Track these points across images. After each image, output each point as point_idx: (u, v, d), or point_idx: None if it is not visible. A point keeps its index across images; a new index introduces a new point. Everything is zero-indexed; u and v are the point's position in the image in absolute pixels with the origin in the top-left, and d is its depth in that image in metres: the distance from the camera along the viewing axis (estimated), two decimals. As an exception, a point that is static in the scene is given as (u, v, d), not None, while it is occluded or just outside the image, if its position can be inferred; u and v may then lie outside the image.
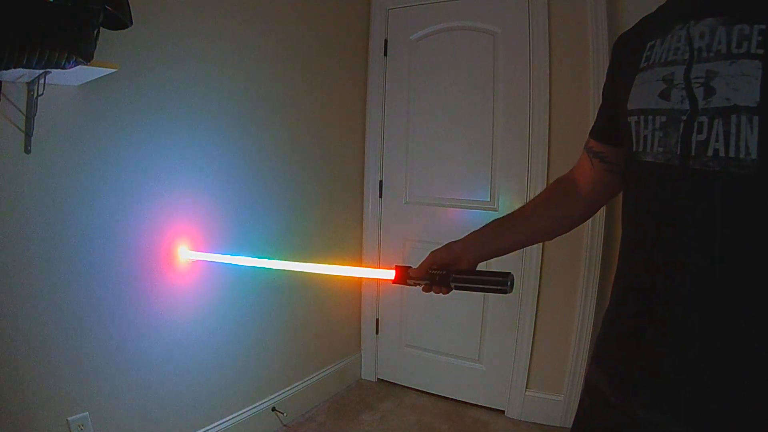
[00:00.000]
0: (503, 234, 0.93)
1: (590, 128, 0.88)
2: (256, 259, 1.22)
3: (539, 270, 2.29)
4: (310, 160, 2.31)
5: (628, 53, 0.76)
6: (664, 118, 0.64)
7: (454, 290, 0.90)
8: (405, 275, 0.93)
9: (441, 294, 0.90)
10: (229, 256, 1.23)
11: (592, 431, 0.77)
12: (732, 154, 0.57)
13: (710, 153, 0.59)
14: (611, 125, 0.79)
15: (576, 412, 0.81)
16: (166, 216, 1.72)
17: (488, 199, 2.39)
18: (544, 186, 2.24)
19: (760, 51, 0.56)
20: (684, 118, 0.62)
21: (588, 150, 0.89)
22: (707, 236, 0.60)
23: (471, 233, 0.93)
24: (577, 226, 0.96)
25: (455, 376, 2.54)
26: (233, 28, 1.88)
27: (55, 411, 1.45)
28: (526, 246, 0.93)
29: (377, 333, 2.74)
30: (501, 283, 0.86)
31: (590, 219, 2.15)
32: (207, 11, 1.78)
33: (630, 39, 0.78)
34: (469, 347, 2.50)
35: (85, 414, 1.52)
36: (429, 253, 0.91)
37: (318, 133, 2.35)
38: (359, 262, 2.73)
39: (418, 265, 0.92)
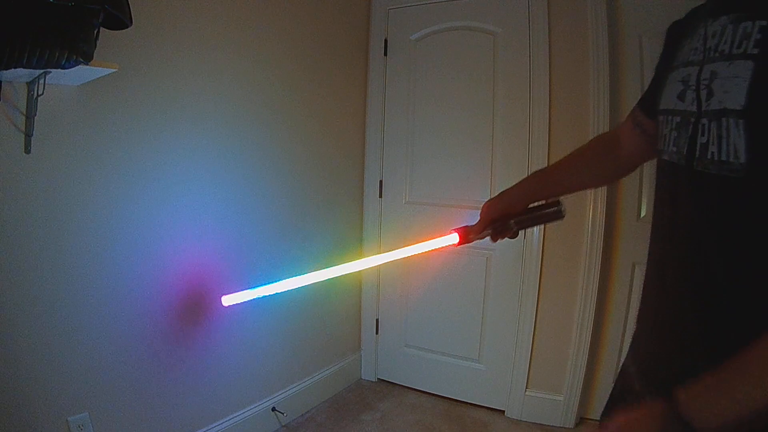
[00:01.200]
0: (549, 185, 1.02)
1: (641, 95, 0.90)
2: (295, 278, 1.19)
3: (539, 270, 2.29)
4: (310, 160, 2.31)
5: (671, 44, 0.77)
6: (678, 119, 0.66)
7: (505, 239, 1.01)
8: (467, 235, 0.99)
9: (508, 238, 1.00)
10: (266, 287, 1.17)
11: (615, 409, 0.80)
12: (724, 158, 0.58)
13: (709, 156, 0.60)
14: (656, 101, 0.80)
15: (609, 396, 0.85)
16: (165, 216, 1.72)
17: (488, 200, 2.38)
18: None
19: (756, 51, 0.55)
20: (692, 120, 0.63)
21: (633, 117, 0.91)
22: (702, 237, 0.61)
23: (520, 183, 1.02)
24: (614, 182, 1.02)
25: (455, 376, 2.54)
26: (233, 28, 1.88)
27: (55, 411, 1.45)
28: (566, 194, 1.03)
29: (377, 333, 2.74)
30: (558, 211, 0.96)
31: (590, 219, 2.17)
32: (207, 11, 1.78)
33: (676, 30, 0.78)
34: (469, 347, 2.50)
35: (85, 414, 1.52)
36: (483, 206, 1.00)
37: (318, 132, 2.35)
38: (359, 262, 2.72)
39: (475, 222, 0.99)
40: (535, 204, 0.99)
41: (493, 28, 2.33)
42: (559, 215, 0.96)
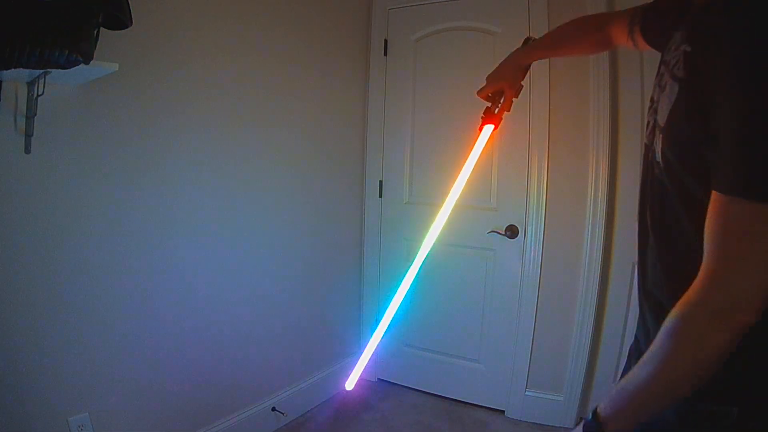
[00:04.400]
0: (551, 49, 1.18)
1: (645, 6, 0.92)
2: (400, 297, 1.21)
3: (539, 270, 2.29)
4: (309, 160, 2.31)
5: (670, 23, 0.78)
6: (651, 122, 0.75)
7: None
8: (493, 115, 1.12)
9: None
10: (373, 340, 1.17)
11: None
12: (657, 159, 0.69)
13: (651, 156, 0.73)
14: (657, 34, 0.86)
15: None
16: (165, 216, 1.72)
17: (488, 199, 2.39)
18: (544, 186, 2.24)
19: (681, 74, 0.62)
20: (653, 128, 0.73)
21: (630, 27, 0.95)
22: (645, 213, 0.78)
23: (522, 49, 1.15)
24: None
25: (455, 376, 2.54)
26: (233, 28, 1.88)
27: (55, 411, 1.45)
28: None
29: (377, 333, 2.74)
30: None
31: (590, 219, 2.17)
32: (207, 11, 1.78)
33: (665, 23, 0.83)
34: (469, 347, 2.50)
35: (85, 414, 1.52)
36: (486, 78, 1.15)
37: (318, 132, 2.35)
38: (359, 262, 2.73)
39: (490, 103, 1.13)
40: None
41: (493, 28, 2.33)
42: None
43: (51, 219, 1.41)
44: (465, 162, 1.17)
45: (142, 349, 1.68)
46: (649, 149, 0.73)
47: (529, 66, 1.15)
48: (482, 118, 1.12)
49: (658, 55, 0.78)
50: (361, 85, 2.62)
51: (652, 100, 0.74)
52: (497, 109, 1.11)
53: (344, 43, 2.49)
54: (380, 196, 2.67)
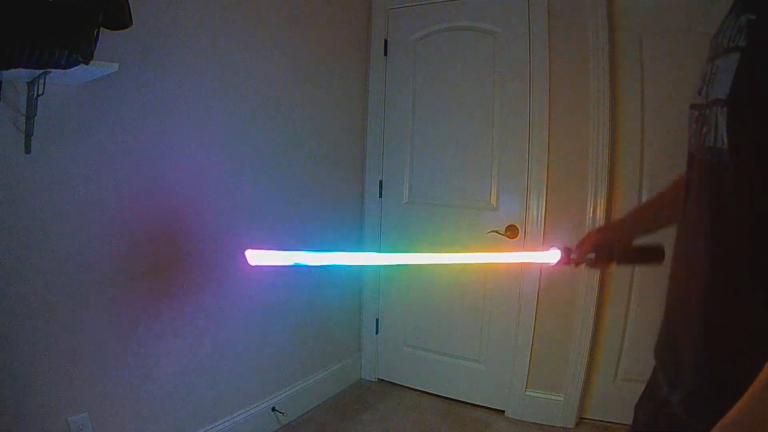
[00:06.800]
0: (649, 221, 1.02)
1: None
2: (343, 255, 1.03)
3: (539, 269, 2.29)
4: (309, 160, 2.31)
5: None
6: (696, 113, 0.69)
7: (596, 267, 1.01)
8: (569, 254, 0.99)
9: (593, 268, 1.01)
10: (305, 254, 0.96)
11: (648, 401, 0.81)
12: (712, 144, 0.61)
13: (706, 144, 0.63)
14: None
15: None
16: (164, 216, 1.72)
17: (488, 199, 2.39)
18: (543, 186, 2.24)
19: (743, 43, 0.57)
20: (703, 112, 0.66)
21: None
22: (700, 224, 0.64)
23: (623, 217, 1.06)
24: None
25: (455, 376, 2.54)
26: (233, 28, 1.88)
27: (55, 411, 1.45)
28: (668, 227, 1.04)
29: (377, 333, 2.74)
30: (658, 258, 0.95)
31: (590, 219, 2.17)
32: (207, 11, 1.78)
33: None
34: (469, 347, 2.50)
35: (85, 414, 1.52)
36: (589, 232, 1.02)
37: (318, 132, 2.35)
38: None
39: (575, 246, 1.00)
40: (640, 244, 0.99)
41: (493, 28, 2.33)
42: (660, 260, 0.95)
43: (51, 219, 1.41)
44: (509, 254, 1.02)
45: (142, 349, 1.68)
46: (700, 137, 0.65)
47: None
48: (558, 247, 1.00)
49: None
50: (361, 85, 2.62)
51: (700, 87, 0.68)
52: (576, 255, 0.99)
53: (344, 43, 2.49)
54: (380, 196, 2.67)
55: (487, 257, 1.04)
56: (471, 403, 2.50)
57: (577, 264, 1.00)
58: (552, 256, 0.99)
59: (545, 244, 2.26)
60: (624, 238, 0.99)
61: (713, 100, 0.61)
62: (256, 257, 0.91)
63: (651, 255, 0.97)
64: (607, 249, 0.97)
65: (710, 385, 0.60)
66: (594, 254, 0.97)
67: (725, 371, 0.58)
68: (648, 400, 0.79)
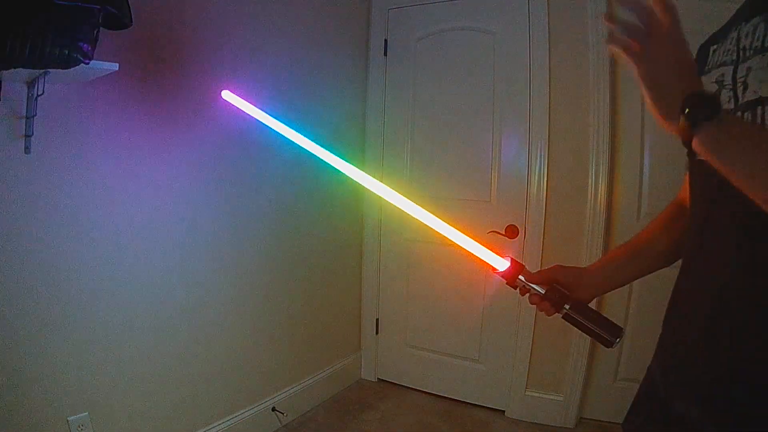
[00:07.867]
0: (629, 263, 0.92)
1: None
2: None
3: (539, 269, 2.28)
4: (309, 160, 2.30)
5: (701, 61, 0.76)
6: (735, 88, 0.65)
7: (557, 316, 0.84)
8: (518, 272, 0.84)
9: (542, 311, 0.85)
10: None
11: (638, 415, 0.79)
12: None
13: None
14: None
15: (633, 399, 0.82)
16: (164, 215, 1.72)
17: (488, 199, 2.39)
18: (544, 186, 2.24)
19: None
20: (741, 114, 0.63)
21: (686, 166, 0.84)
22: (727, 236, 0.62)
23: (599, 262, 0.93)
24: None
25: (455, 376, 2.54)
26: (232, 28, 1.88)
27: (55, 411, 1.45)
28: (648, 274, 0.92)
29: (377, 333, 2.74)
30: (610, 339, 0.83)
31: (590, 219, 2.17)
32: (207, 11, 1.78)
33: (702, 47, 0.77)
34: (469, 347, 2.50)
35: (85, 414, 1.52)
36: (555, 264, 0.87)
37: (317, 132, 2.34)
38: (359, 262, 2.73)
39: (535, 272, 0.86)
40: (600, 313, 0.87)
41: (493, 28, 2.33)
42: (610, 342, 0.84)
43: (51, 219, 1.41)
44: (463, 238, 0.91)
45: (143, 348, 1.68)
46: None
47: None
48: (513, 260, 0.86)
49: None
50: (361, 85, 2.62)
51: (722, 83, 0.65)
52: (526, 278, 0.86)
53: (344, 43, 2.49)
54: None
55: (455, 233, 0.92)
56: (471, 403, 2.50)
57: (521, 290, 0.86)
58: (500, 263, 0.85)
59: (545, 244, 2.26)
60: (589, 291, 0.88)
61: (754, 100, 0.58)
62: (231, 97, 0.93)
63: (603, 329, 0.85)
64: (562, 294, 0.84)
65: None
66: (545, 291, 0.84)
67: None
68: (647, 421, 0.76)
